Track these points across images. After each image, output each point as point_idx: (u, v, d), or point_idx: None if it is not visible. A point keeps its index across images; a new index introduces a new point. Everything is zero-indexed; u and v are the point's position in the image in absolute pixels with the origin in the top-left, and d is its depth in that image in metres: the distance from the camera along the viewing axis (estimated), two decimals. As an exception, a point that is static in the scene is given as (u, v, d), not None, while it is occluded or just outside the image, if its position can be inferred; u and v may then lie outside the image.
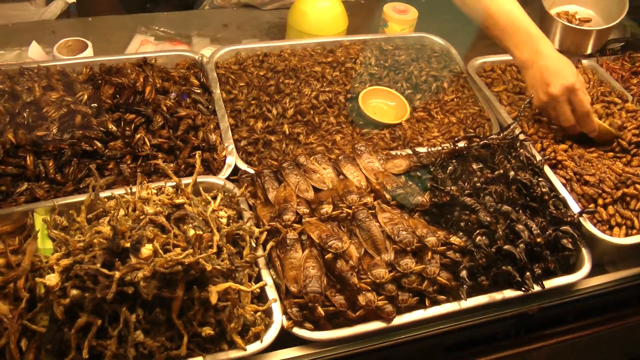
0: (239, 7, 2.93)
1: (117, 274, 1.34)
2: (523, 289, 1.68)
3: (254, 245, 1.63)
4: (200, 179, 1.79)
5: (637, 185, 1.98)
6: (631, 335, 2.14)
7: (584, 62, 2.54)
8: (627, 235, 1.89)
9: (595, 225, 1.88)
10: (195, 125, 1.97)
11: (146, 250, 1.40)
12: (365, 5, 3.10)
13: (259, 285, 1.53)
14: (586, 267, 1.78)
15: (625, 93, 2.38)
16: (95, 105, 1.96)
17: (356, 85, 2.23)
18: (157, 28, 2.69)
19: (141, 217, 1.51)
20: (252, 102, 2.10)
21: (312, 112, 2.09)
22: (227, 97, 2.12)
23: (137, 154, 1.87)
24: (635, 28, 3.15)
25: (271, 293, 1.57)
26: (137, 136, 1.89)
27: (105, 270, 1.36)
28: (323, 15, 2.48)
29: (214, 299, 1.40)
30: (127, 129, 1.90)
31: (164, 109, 1.96)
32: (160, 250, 1.40)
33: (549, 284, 1.72)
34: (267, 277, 1.60)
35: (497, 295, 1.67)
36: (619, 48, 2.86)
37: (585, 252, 1.81)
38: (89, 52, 2.26)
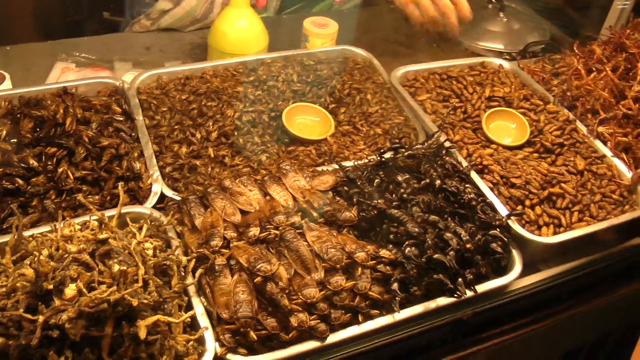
0: (160, 30, 2.91)
1: (41, 318, 1.31)
2: (456, 295, 1.69)
3: (182, 274, 1.61)
4: (127, 209, 1.76)
5: (563, 184, 2.03)
6: (565, 330, 2.18)
7: (505, 66, 2.58)
8: (555, 233, 1.93)
9: (523, 226, 1.91)
10: (119, 155, 1.94)
11: (70, 290, 1.37)
12: (285, 21, 3.11)
13: (187, 315, 1.51)
14: (517, 268, 1.81)
15: (546, 95, 2.43)
16: (15, 140, 1.91)
17: (279, 103, 2.22)
18: (78, 54, 2.64)
19: (64, 256, 1.48)
20: (176, 127, 2.08)
21: (236, 133, 2.07)
22: (150, 123, 2.09)
23: (61, 188, 1.83)
24: (555, 30, 3.23)
25: (203, 321, 1.54)
26: (60, 170, 1.84)
27: (28, 315, 1.33)
28: (243, 35, 2.47)
29: (142, 333, 1.37)
30: (49, 163, 1.86)
31: (86, 139, 1.92)
32: (85, 290, 1.37)
33: (482, 288, 1.74)
34: (197, 305, 1.58)
35: (431, 304, 1.68)
36: (539, 50, 2.94)
37: (515, 254, 1.84)
38: (6, 84, 2.20)
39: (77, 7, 3.45)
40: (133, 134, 2.04)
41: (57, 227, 1.61)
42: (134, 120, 2.08)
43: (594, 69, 2.48)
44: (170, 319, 1.45)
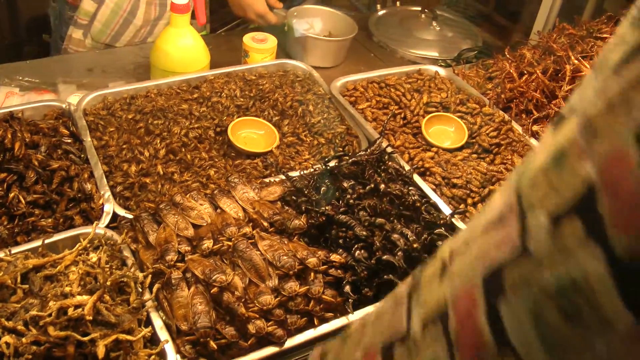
0: (100, 50, 2.92)
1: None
2: (406, 294, 1.76)
3: (140, 290, 1.64)
4: (80, 230, 1.79)
5: (502, 182, 2.12)
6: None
7: (441, 72, 2.68)
8: (497, 229, 2.02)
9: (467, 223, 2.00)
10: (70, 177, 1.95)
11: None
12: (225, 37, 3.16)
13: (145, 331, 1.54)
14: (462, 264, 1.89)
15: (482, 98, 2.53)
16: (-37, 167, 1.93)
17: (224, 118, 2.26)
18: (20, 78, 2.63)
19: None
20: (124, 146, 2.10)
21: (183, 150, 2.11)
22: (98, 143, 2.12)
23: (12, 213, 1.84)
24: (487, 37, 3.35)
25: (163, 334, 1.58)
26: (11, 195, 1.85)
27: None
28: (185, 53, 2.51)
29: (100, 352, 1.41)
30: (0, 188, 1.87)
31: (36, 163, 1.93)
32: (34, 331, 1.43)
33: (430, 286, 1.81)
34: (156, 319, 1.61)
35: (383, 304, 1.75)
36: (472, 57, 3.05)
37: (460, 250, 1.92)
38: (-50, 112, 2.20)
39: (15, 31, 3.44)
40: (82, 156, 2.06)
41: (15, 250, 1.64)
42: (82, 141, 2.10)
43: (525, 71, 2.59)
44: (128, 337, 1.49)
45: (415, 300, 0.73)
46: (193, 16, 2.62)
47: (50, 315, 1.46)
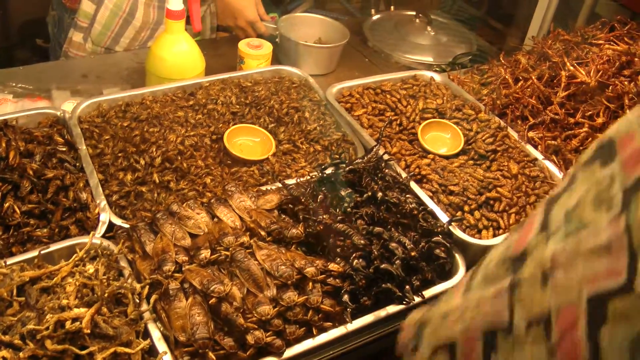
0: (98, 54, 2.91)
1: None
2: (404, 302, 1.76)
3: (137, 301, 1.63)
4: (76, 240, 1.78)
5: (498, 189, 2.13)
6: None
7: (437, 78, 2.68)
8: (494, 235, 2.02)
9: (464, 231, 2.00)
10: (65, 186, 1.94)
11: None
12: (220, 43, 3.15)
13: (142, 345, 1.53)
14: (461, 272, 1.89)
15: (478, 104, 2.53)
16: (-42, 176, 1.91)
17: (220, 125, 2.25)
18: (14, 84, 2.61)
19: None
20: (119, 154, 2.09)
21: (179, 157, 2.10)
22: (93, 152, 2.10)
23: (8, 223, 1.82)
24: (481, 42, 3.36)
25: (161, 346, 1.57)
26: (6, 205, 1.83)
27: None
28: (180, 59, 2.50)
29: (99, 365, 1.41)
30: (-6, 198, 1.86)
31: (31, 172, 1.91)
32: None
33: (428, 293, 1.80)
34: (154, 330, 1.60)
35: (381, 313, 1.74)
36: (467, 62, 3.05)
37: (458, 258, 1.92)
38: (-56, 119, 2.18)
39: (7, 35, 3.42)
40: (77, 164, 2.04)
41: (10, 261, 1.63)
42: (78, 149, 2.09)
43: (520, 77, 2.60)
44: (127, 349, 1.48)
45: (516, 297, 0.79)
46: (188, 22, 2.60)
47: (47, 328, 1.46)
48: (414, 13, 3.47)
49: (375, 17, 3.45)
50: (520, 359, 0.77)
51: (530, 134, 2.40)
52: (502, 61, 2.74)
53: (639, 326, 0.59)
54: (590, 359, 0.63)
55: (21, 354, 1.42)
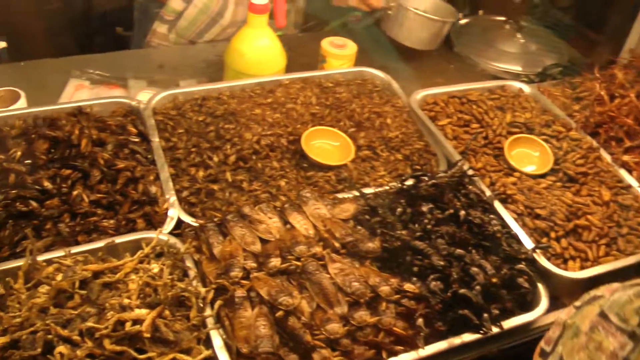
0: (174, 45, 2.87)
1: None
2: (482, 331, 1.64)
3: (201, 305, 1.56)
4: (143, 234, 1.73)
5: (588, 216, 1.98)
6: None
7: (526, 90, 2.54)
8: (581, 267, 1.88)
9: (549, 259, 1.85)
10: (135, 178, 1.89)
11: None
12: (303, 39, 3.08)
13: (203, 355, 1.46)
14: (543, 304, 1.76)
15: (568, 121, 2.38)
16: (30, 161, 1.87)
17: (298, 126, 2.17)
18: (92, 71, 2.59)
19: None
20: (192, 149, 2.03)
21: (254, 157, 2.03)
22: (166, 145, 2.04)
23: (75, 211, 1.78)
24: (573, 52, 3.19)
25: (222, 355, 1.49)
26: (75, 193, 1.80)
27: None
28: (261, 54, 2.43)
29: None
30: (64, 185, 1.82)
31: (102, 162, 1.87)
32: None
33: (507, 324, 1.69)
34: (216, 338, 1.52)
35: (456, 340, 1.63)
36: (558, 72, 2.89)
37: (541, 288, 1.79)
38: (21, 102, 2.15)
39: (89, 23, 3.42)
40: (149, 156, 1.99)
41: (75, 250, 1.61)
42: (150, 141, 2.04)
43: (617, 94, 2.43)
44: (186, 358, 1.43)
45: None
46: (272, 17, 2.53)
47: (107, 327, 1.40)
48: (503, 18, 3.32)
49: (462, 22, 3.31)
50: None
51: (625, 157, 2.23)
52: (597, 75, 2.58)
53: None
54: None
55: (79, 352, 1.37)
